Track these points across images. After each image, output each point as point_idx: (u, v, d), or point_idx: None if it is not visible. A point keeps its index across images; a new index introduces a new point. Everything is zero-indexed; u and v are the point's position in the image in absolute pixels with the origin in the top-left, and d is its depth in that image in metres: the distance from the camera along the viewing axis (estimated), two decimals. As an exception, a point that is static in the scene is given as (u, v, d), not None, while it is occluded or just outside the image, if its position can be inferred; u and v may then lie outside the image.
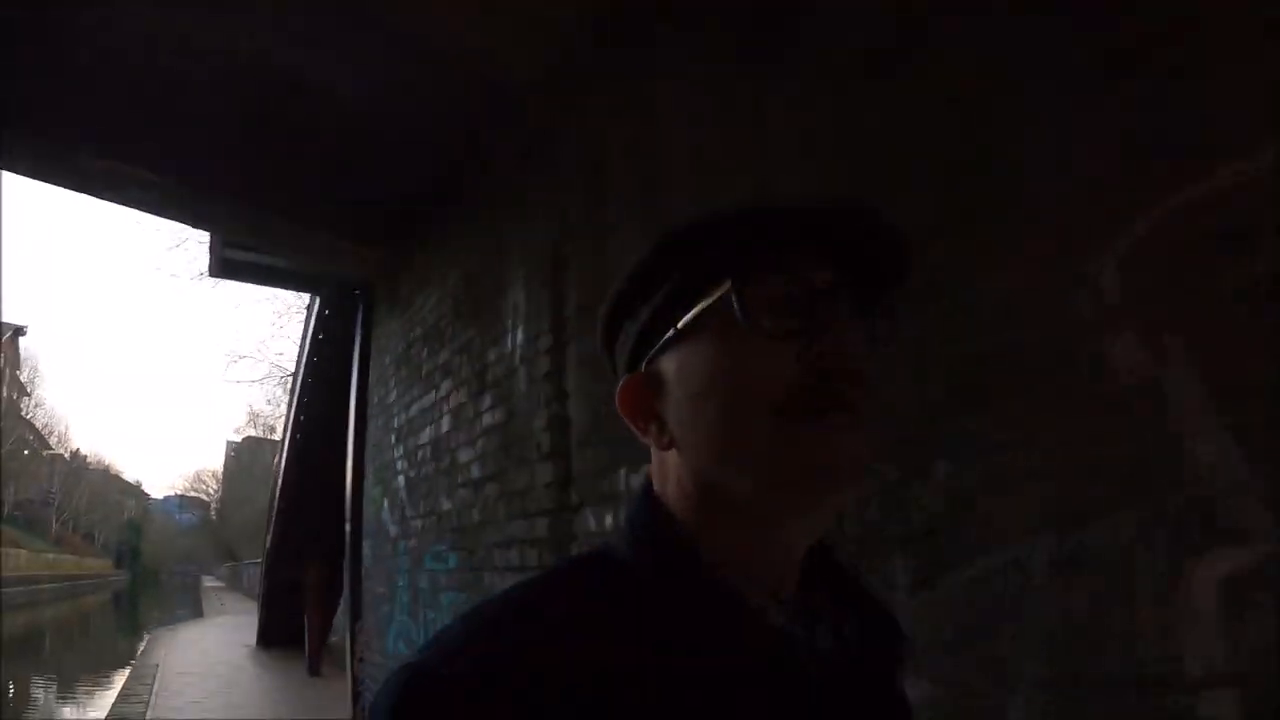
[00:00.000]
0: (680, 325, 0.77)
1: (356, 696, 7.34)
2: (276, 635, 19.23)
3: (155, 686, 13.34)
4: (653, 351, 0.80)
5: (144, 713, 10.98)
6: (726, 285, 0.73)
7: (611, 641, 0.66)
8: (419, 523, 5.88)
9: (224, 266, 8.26)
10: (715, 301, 0.74)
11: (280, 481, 16.52)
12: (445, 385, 5.47)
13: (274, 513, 17.83)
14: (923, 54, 2.59)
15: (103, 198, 5.83)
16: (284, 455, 15.69)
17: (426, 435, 5.79)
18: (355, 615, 7.70)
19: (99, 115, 4.85)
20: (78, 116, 4.84)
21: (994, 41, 2.35)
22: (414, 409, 6.12)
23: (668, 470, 0.80)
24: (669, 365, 0.79)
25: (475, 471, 4.87)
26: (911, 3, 2.65)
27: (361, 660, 7.24)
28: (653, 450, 0.82)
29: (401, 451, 6.40)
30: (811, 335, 0.72)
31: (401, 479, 6.36)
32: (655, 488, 0.82)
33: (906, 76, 2.61)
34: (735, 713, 0.67)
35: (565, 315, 3.99)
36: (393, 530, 6.48)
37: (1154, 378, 1.90)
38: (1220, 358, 1.79)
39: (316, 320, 10.28)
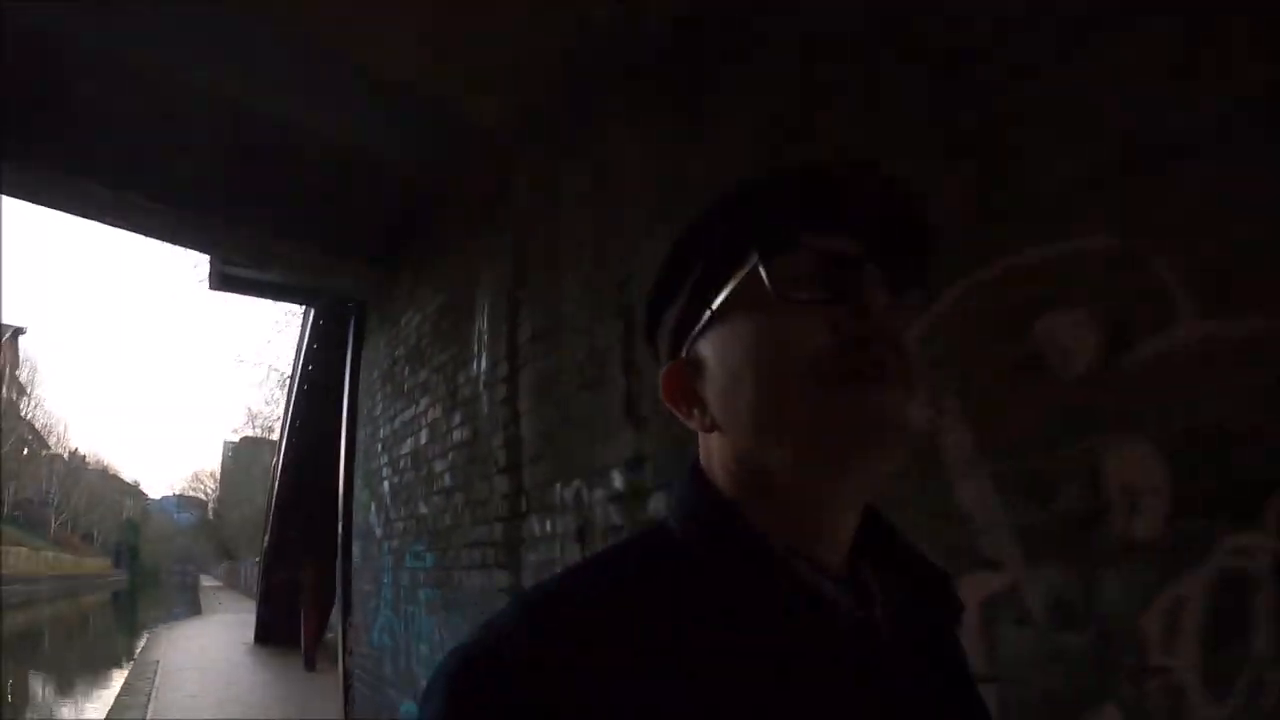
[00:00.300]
0: (715, 307, 0.78)
1: (348, 689, 7.64)
2: (274, 632, 19.42)
3: (156, 681, 13.68)
4: (691, 336, 0.81)
5: (146, 705, 11.32)
6: (754, 261, 0.75)
7: (662, 616, 0.67)
8: (400, 525, 6.22)
9: (223, 280, 8.50)
10: (745, 279, 0.76)
11: (277, 483, 16.71)
12: (424, 401, 5.83)
13: (271, 514, 17.98)
14: (826, 119, 2.82)
15: (107, 223, 6.22)
16: (280, 458, 15.82)
17: (408, 446, 6.15)
18: (346, 612, 7.97)
19: (104, 148, 5.24)
20: (84, 149, 5.21)
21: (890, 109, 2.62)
22: (397, 421, 6.46)
23: (711, 452, 0.81)
24: (707, 348, 0.79)
25: (447, 481, 5.24)
26: (815, 73, 2.91)
27: (351, 654, 7.58)
28: (699, 434, 0.83)
29: (386, 460, 6.73)
30: (841, 304, 0.73)
31: (386, 485, 6.69)
32: (703, 466, 0.83)
33: (810, 139, 2.86)
34: (788, 684, 0.67)
35: (519, 344, 4.35)
36: (378, 532, 6.82)
37: (934, 431, 2.29)
38: (986, 419, 2.18)
39: (311, 329, 10.60)
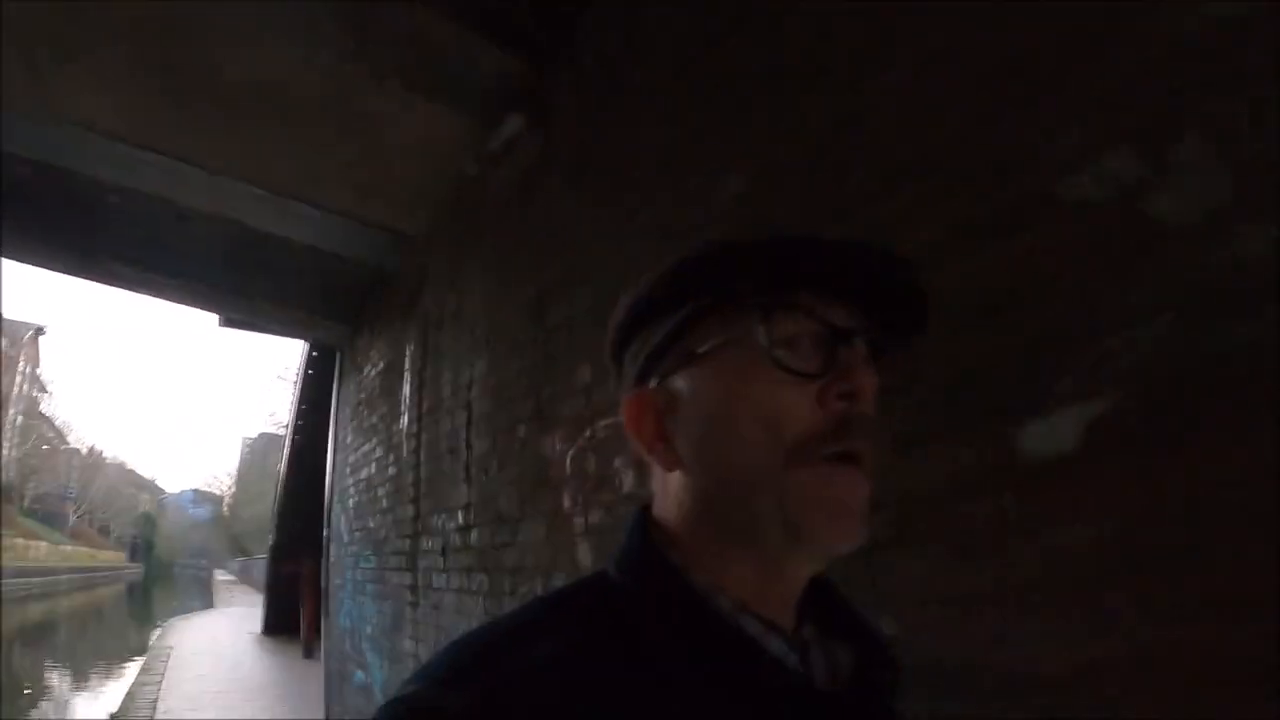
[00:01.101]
0: (702, 350, 0.76)
1: (327, 671, 9.02)
2: (278, 623, 20.76)
3: (169, 665, 15.14)
4: (664, 367, 0.79)
5: (159, 685, 12.70)
6: (754, 316, 0.73)
7: (601, 671, 0.65)
8: (358, 534, 7.61)
9: (230, 322, 9.93)
10: (742, 332, 0.74)
11: (281, 486, 18.32)
12: (374, 440, 7.20)
13: (277, 513, 19.60)
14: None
15: (126, 289, 7.90)
16: (285, 464, 17.32)
17: (364, 473, 7.52)
18: (325, 603, 9.37)
19: (125, 238, 6.80)
20: (109, 238, 6.81)
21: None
22: (359, 452, 7.85)
23: (669, 490, 0.79)
24: (683, 385, 0.77)
25: (384, 503, 6.60)
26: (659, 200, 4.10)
27: (329, 637, 9.10)
28: (655, 469, 0.81)
29: (351, 481, 8.12)
30: (831, 377, 0.72)
31: (351, 501, 8.07)
32: (655, 508, 0.81)
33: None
34: None
35: (421, 413, 5.72)
36: (345, 537, 8.23)
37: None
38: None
39: (306, 360, 12.24)
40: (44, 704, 15.20)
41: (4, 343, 68.46)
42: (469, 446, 4.62)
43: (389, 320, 7.18)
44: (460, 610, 4.52)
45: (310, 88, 4.46)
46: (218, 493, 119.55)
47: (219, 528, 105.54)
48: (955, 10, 1.83)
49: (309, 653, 15.51)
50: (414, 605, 5.43)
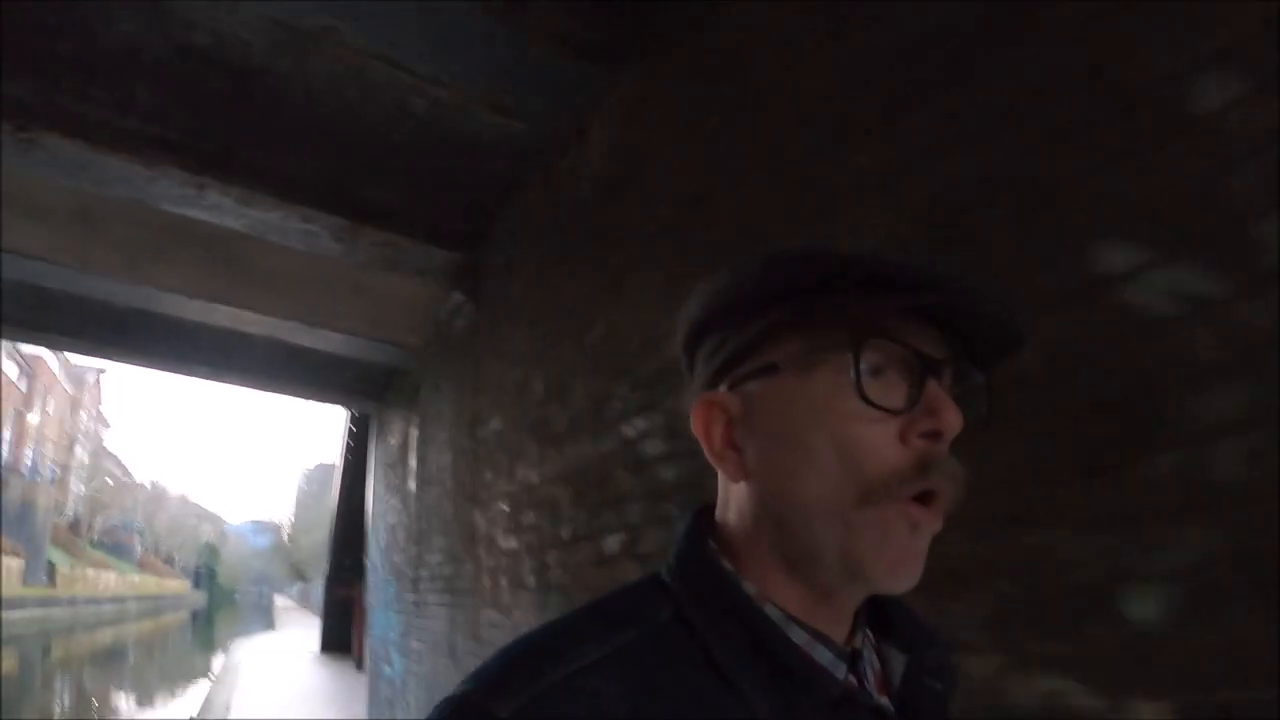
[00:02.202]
0: (779, 361, 0.73)
1: (369, 671, 11.15)
2: (334, 641, 22.92)
3: (239, 677, 17.42)
4: (740, 373, 0.76)
5: (231, 693, 14.88)
6: (846, 340, 0.69)
7: (647, 676, 0.65)
8: (386, 565, 9.74)
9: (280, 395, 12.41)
10: (829, 354, 0.70)
11: (334, 519, 20.29)
12: (395, 496, 9.27)
13: (331, 541, 21.63)
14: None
15: (206, 381, 10.37)
16: (336, 498, 19.28)
17: (389, 519, 9.65)
18: (367, 620, 11.62)
19: (205, 353, 9.20)
20: (195, 353, 9.22)
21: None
22: (386, 502, 9.97)
23: (732, 498, 0.78)
24: (759, 395, 0.75)
25: (400, 544, 8.65)
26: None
27: (369, 647, 11.26)
28: (720, 476, 0.79)
29: (382, 524, 10.24)
30: (917, 413, 0.69)
31: (382, 539, 10.16)
32: (717, 512, 0.80)
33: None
34: None
35: (419, 486, 7.83)
36: (379, 567, 10.38)
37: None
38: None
39: (348, 420, 14.55)
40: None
41: (70, 387, 71.71)
42: (442, 511, 6.81)
43: (401, 406, 9.39)
44: (436, 616, 6.69)
45: (320, 270, 6.74)
46: (277, 522, 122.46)
47: (279, 556, 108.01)
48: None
49: (360, 665, 17.05)
50: (416, 616, 7.61)
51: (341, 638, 21.93)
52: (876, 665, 0.79)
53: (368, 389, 10.51)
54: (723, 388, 0.77)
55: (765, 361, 0.74)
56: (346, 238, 5.70)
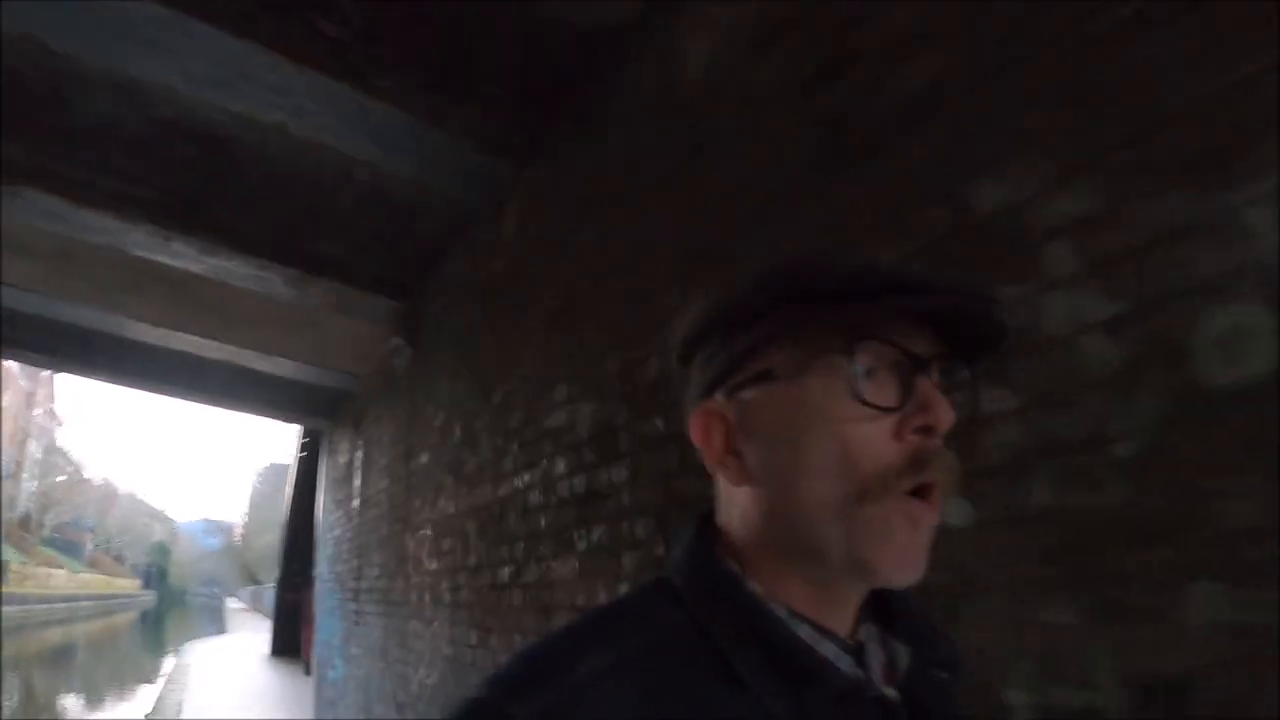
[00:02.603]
0: (775, 368, 0.76)
1: (315, 674, 11.68)
2: (284, 645, 23.09)
3: (186, 685, 17.73)
4: (737, 380, 0.78)
5: (182, 695, 15.31)
6: (838, 345, 0.73)
7: (659, 677, 0.68)
8: (331, 574, 10.42)
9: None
10: (823, 358, 0.73)
11: (286, 525, 20.89)
12: (340, 511, 9.97)
13: (282, 548, 22.09)
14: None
15: (165, 397, 10.95)
16: (288, 504, 19.99)
17: (335, 532, 10.31)
18: (314, 626, 12.18)
19: (167, 374, 9.82)
20: (157, 373, 9.81)
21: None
22: (332, 516, 10.62)
23: (734, 503, 0.80)
24: (757, 402, 0.77)
25: (344, 556, 9.31)
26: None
27: (316, 651, 11.81)
28: (721, 481, 0.82)
29: (329, 535, 10.88)
30: (909, 410, 0.72)
31: (329, 550, 10.80)
32: (718, 517, 0.83)
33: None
34: None
35: (362, 501, 8.54)
36: (326, 576, 11.04)
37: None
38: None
39: (301, 433, 15.13)
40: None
41: (24, 381, 70.89)
42: (379, 530, 7.49)
43: (348, 428, 10.08)
44: (373, 625, 7.40)
45: (274, 307, 7.41)
46: (230, 522, 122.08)
47: (231, 557, 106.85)
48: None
49: (309, 669, 17.12)
50: (356, 624, 8.29)
51: (291, 642, 22.11)
52: (882, 658, 0.81)
53: (319, 409, 11.17)
54: (719, 396, 0.79)
55: (760, 369, 0.76)
56: (298, 285, 6.39)
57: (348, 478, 9.73)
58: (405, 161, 4.89)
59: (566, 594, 3.62)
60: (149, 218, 5.55)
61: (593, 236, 3.85)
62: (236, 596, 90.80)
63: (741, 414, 0.78)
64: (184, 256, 6.07)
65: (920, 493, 0.72)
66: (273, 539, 49.68)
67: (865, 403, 0.71)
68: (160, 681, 19.15)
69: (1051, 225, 1.74)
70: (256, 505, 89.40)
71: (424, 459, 6.21)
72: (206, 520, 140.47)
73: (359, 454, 9.09)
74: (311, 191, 5.70)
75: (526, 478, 4.18)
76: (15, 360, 10.44)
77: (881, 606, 0.84)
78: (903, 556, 0.72)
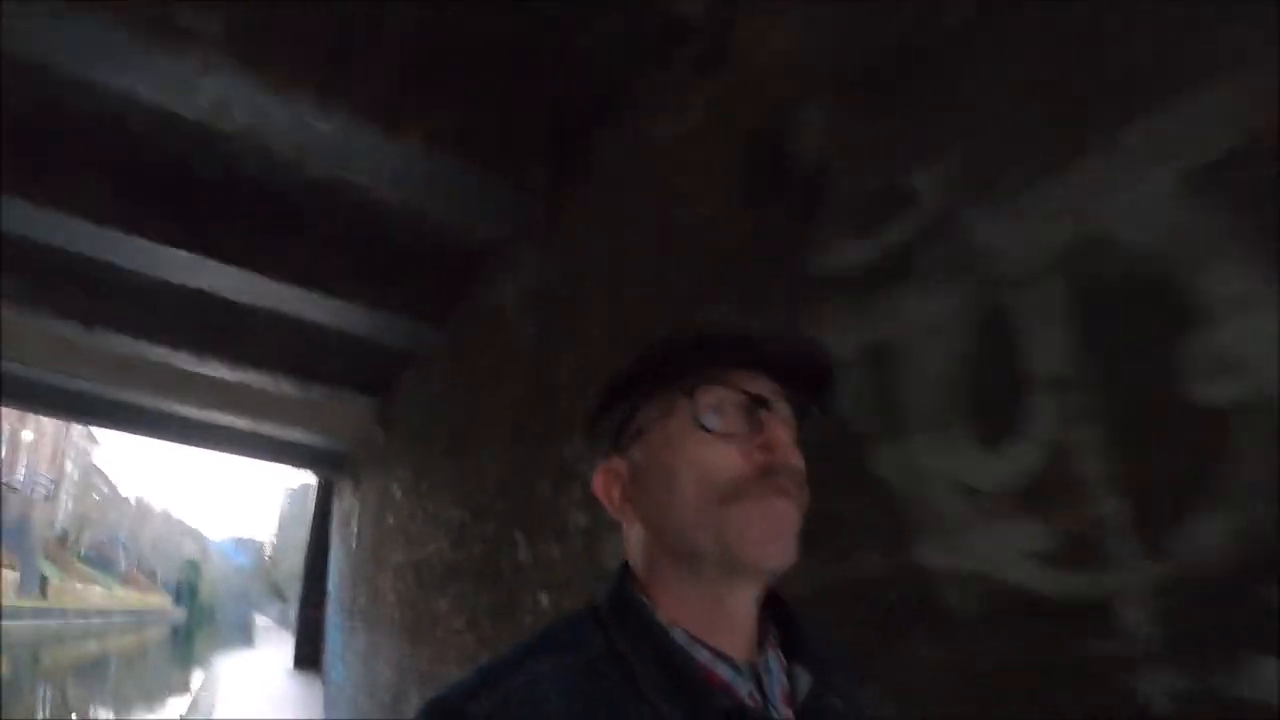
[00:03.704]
0: (645, 424, 0.95)
1: (325, 680, 14.02)
2: (306, 658, 23.69)
3: (218, 691, 20.00)
4: (623, 442, 0.97)
5: (214, 705, 17.21)
6: (687, 392, 0.91)
7: (589, 685, 0.83)
8: (337, 596, 12.60)
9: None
10: (676, 404, 0.92)
11: (309, 546, 22.47)
12: (344, 548, 12.17)
13: (305, 568, 23.82)
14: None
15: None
16: (310, 527, 21.56)
17: (341, 562, 12.42)
18: (326, 640, 14.53)
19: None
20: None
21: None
22: (337, 551, 12.86)
23: (634, 543, 0.96)
24: (638, 455, 0.95)
25: (345, 584, 11.42)
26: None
27: (326, 660, 14.20)
28: (623, 526, 0.98)
29: (337, 564, 13.00)
30: (752, 437, 0.89)
31: (336, 578, 12.95)
32: (626, 555, 0.97)
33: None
34: None
35: (358, 545, 10.67)
36: (333, 596, 13.21)
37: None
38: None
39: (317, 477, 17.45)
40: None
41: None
42: (367, 567, 9.78)
43: (349, 481, 12.38)
44: (361, 637, 9.64)
45: (285, 400, 9.72)
46: (260, 540, 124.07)
47: (260, 575, 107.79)
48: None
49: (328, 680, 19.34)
50: (351, 635, 10.57)
51: (313, 655, 22.70)
52: (784, 681, 0.92)
53: (327, 463, 13.50)
54: (613, 457, 0.98)
55: (637, 427, 0.95)
56: (302, 388, 8.68)
57: (347, 522, 12.02)
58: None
59: (478, 633, 5.66)
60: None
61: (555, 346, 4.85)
62: (265, 613, 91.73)
63: (631, 468, 0.96)
64: (218, 371, 8.35)
65: (773, 492, 0.87)
66: (299, 559, 49.48)
67: (707, 429, 0.89)
68: (191, 691, 20.85)
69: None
70: (285, 525, 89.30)
71: (390, 520, 8.51)
72: (237, 539, 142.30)
73: (356, 505, 11.39)
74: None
75: (440, 545, 6.43)
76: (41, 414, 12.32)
77: (788, 635, 0.97)
78: (765, 540, 0.86)
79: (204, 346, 7.71)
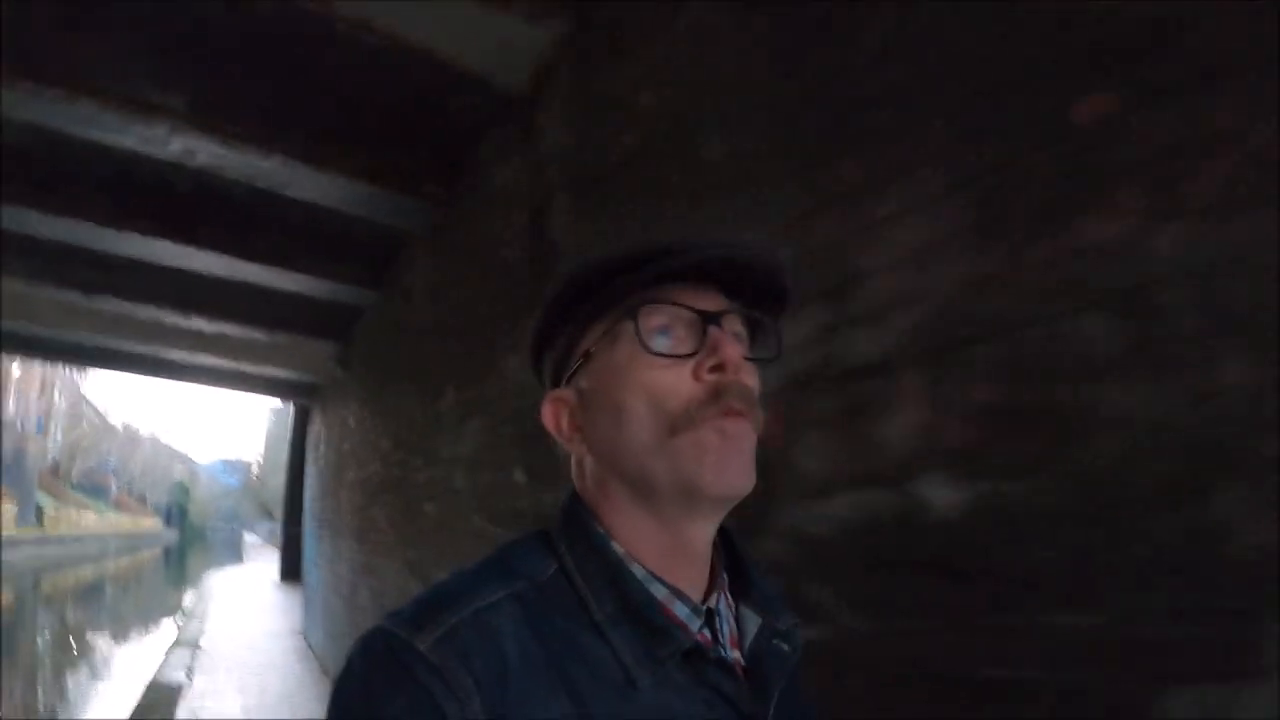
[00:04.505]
0: (591, 349, 0.89)
1: (304, 585, 15.53)
2: (289, 571, 24.97)
3: (210, 600, 21.88)
4: (571, 370, 0.92)
5: (206, 610, 19.13)
6: (630, 313, 0.85)
7: (539, 614, 0.79)
8: (311, 510, 14.24)
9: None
10: (620, 327, 0.86)
11: (289, 465, 23.98)
12: (315, 467, 13.71)
13: (287, 487, 24.78)
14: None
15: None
16: (289, 447, 23.35)
17: (313, 479, 13.94)
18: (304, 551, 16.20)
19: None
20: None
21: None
22: (312, 469, 14.27)
23: (585, 471, 0.92)
24: (585, 383, 0.90)
25: (317, 499, 12.98)
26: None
27: (305, 570, 15.87)
28: (573, 456, 0.94)
29: (310, 482, 14.50)
30: (703, 356, 0.83)
31: (310, 490, 14.41)
32: (575, 486, 0.94)
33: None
34: (637, 699, 0.78)
35: (324, 464, 12.33)
36: (308, 511, 14.80)
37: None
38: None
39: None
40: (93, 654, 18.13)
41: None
42: (331, 485, 11.46)
43: (319, 409, 13.99)
44: (327, 544, 11.39)
45: (260, 341, 11.32)
46: (247, 461, 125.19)
47: (248, 495, 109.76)
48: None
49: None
50: (320, 543, 12.30)
51: (295, 567, 23.38)
52: (732, 624, 0.91)
53: (300, 393, 15.11)
54: (561, 387, 0.94)
55: (583, 351, 0.90)
56: (270, 333, 10.18)
57: (317, 445, 13.69)
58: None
59: (395, 533, 7.32)
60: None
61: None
62: (254, 531, 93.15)
63: (578, 396, 0.91)
64: (200, 325, 9.86)
65: (727, 415, 0.82)
66: (284, 478, 49.96)
67: (654, 352, 0.83)
68: (184, 606, 22.34)
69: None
70: (271, 445, 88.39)
71: (346, 445, 10.19)
72: (225, 460, 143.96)
73: (321, 431, 13.06)
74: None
75: (376, 465, 8.07)
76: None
77: (737, 578, 0.95)
78: (722, 466, 0.82)
79: (188, 307, 9.13)
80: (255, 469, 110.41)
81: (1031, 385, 1.62)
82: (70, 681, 13.71)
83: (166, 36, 4.89)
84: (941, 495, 1.77)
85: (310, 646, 12.55)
